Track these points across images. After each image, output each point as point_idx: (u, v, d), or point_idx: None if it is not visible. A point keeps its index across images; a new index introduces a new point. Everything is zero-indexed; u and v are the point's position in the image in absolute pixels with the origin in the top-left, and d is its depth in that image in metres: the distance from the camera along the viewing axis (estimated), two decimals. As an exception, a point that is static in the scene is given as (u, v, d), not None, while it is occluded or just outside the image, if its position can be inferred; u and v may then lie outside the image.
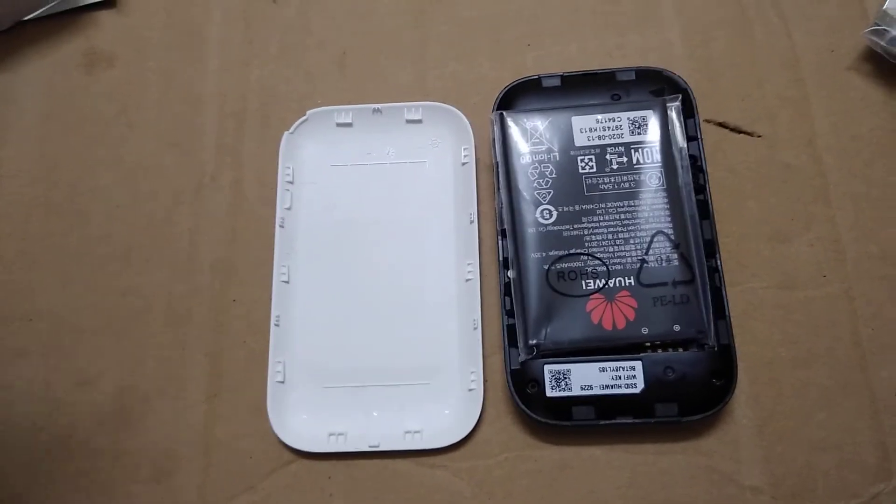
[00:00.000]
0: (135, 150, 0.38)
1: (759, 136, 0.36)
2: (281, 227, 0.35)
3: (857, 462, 0.31)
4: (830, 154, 0.35)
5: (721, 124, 0.36)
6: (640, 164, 0.33)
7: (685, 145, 0.33)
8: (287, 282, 0.34)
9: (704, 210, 0.33)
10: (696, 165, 0.33)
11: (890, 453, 0.31)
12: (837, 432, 0.31)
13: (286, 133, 0.36)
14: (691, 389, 0.30)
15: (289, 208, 0.35)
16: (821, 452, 0.31)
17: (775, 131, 0.36)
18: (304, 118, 0.37)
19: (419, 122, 0.36)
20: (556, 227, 0.32)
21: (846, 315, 0.33)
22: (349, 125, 0.37)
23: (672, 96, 0.34)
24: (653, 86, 0.35)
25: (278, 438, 0.32)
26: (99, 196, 0.37)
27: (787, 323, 0.33)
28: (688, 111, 0.34)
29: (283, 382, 0.33)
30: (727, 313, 0.31)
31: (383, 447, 0.32)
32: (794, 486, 0.31)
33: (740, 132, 0.36)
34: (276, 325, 0.33)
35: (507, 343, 0.32)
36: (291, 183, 0.36)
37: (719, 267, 0.32)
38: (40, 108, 0.39)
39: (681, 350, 0.31)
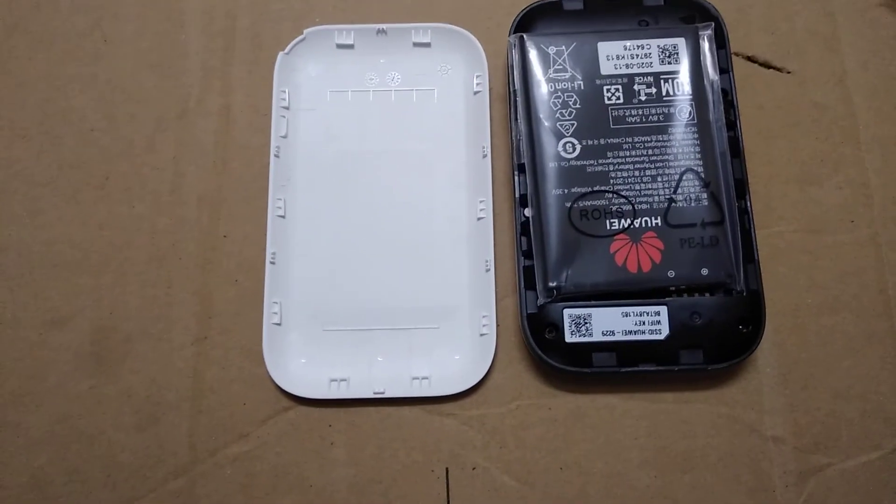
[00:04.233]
0: (111, 68, 0.34)
1: (789, 73, 0.34)
2: (276, 156, 0.32)
3: (880, 412, 0.30)
4: (860, 94, 0.34)
5: (750, 58, 0.34)
6: (670, 96, 0.30)
7: (717, 78, 0.31)
8: (283, 216, 0.32)
9: (735, 148, 0.31)
10: (727, 100, 0.31)
11: (913, 404, 0.30)
12: (862, 381, 0.30)
13: (281, 54, 0.33)
14: (718, 336, 0.29)
15: (284, 136, 0.32)
16: (845, 402, 0.30)
17: (805, 68, 0.34)
18: (300, 37, 0.33)
19: (427, 45, 0.34)
20: (579, 162, 0.30)
21: (873, 262, 0.31)
22: (350, 47, 0.34)
23: (704, 24, 0.31)
24: (682, 13, 0.32)
25: (275, 384, 0.30)
26: (71, 118, 0.33)
27: (814, 269, 0.31)
28: (718, 42, 0.32)
29: (279, 324, 0.30)
30: (756, 257, 0.30)
31: (388, 394, 0.30)
32: (817, 435, 0.30)
33: (769, 67, 0.34)
34: (272, 262, 0.31)
35: (522, 286, 0.30)
36: (287, 109, 0.33)
37: (749, 208, 0.30)
38: (4, 21, 0.35)
39: (707, 295, 0.29)
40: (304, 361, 0.30)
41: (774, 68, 0.34)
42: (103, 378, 0.31)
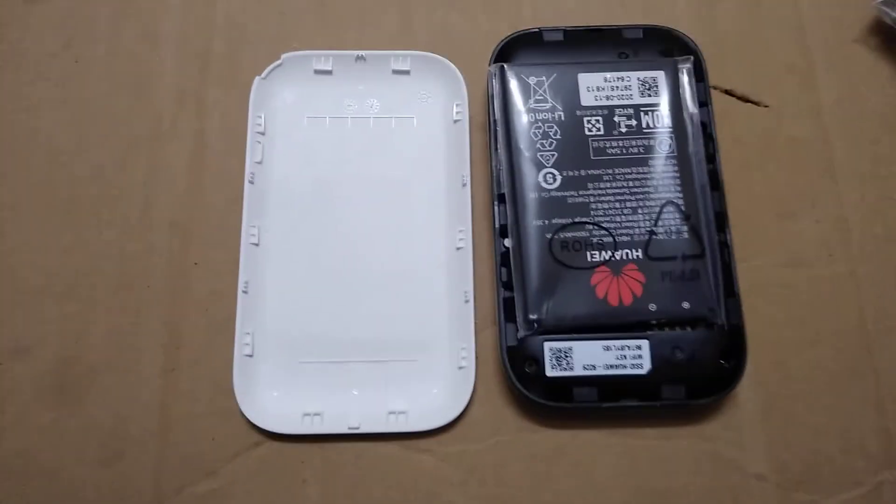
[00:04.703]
0: (82, 90, 0.33)
1: (766, 107, 0.34)
2: (250, 182, 0.31)
3: (861, 449, 0.30)
4: (836, 128, 0.34)
5: (728, 92, 0.34)
6: (651, 128, 0.30)
7: (696, 111, 0.31)
8: (257, 244, 0.31)
9: (714, 180, 0.30)
10: (706, 133, 0.31)
11: (894, 440, 0.30)
12: (843, 418, 0.30)
13: (258, 78, 0.33)
14: (700, 371, 0.28)
15: (259, 162, 0.32)
16: (826, 438, 0.30)
17: (782, 102, 0.34)
18: (277, 62, 0.33)
19: (407, 73, 0.33)
20: (560, 193, 0.29)
21: (852, 296, 0.31)
22: (328, 73, 0.33)
23: (684, 57, 0.31)
24: (661, 46, 0.32)
25: (245, 418, 0.29)
26: (39, 141, 0.32)
27: (794, 303, 0.31)
28: (697, 75, 0.32)
29: (251, 356, 0.30)
30: (737, 291, 0.29)
31: (364, 429, 0.29)
32: (799, 473, 0.29)
33: (747, 101, 0.34)
34: (245, 291, 0.30)
35: (503, 318, 0.29)
36: (263, 134, 0.32)
37: (729, 241, 0.30)
38: (-31, 38, 0.34)
39: (689, 329, 0.29)
40: (277, 395, 0.29)
41: (752, 102, 0.34)
42: (66, 410, 0.29)
